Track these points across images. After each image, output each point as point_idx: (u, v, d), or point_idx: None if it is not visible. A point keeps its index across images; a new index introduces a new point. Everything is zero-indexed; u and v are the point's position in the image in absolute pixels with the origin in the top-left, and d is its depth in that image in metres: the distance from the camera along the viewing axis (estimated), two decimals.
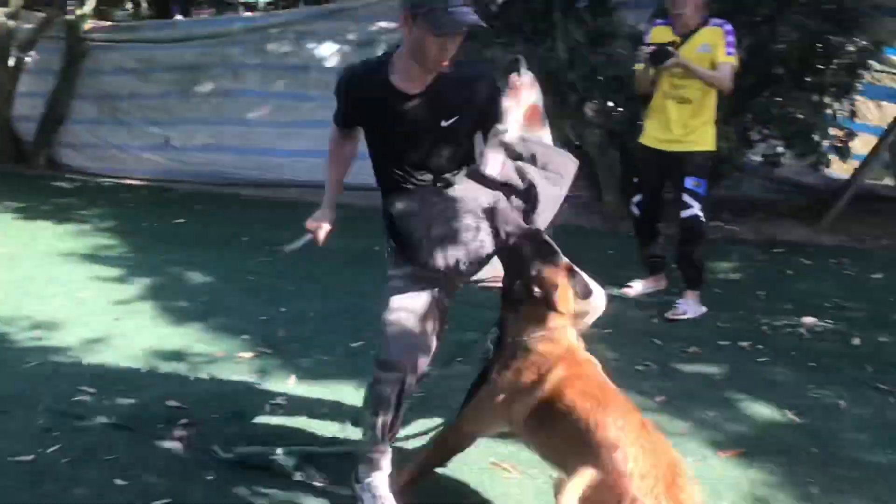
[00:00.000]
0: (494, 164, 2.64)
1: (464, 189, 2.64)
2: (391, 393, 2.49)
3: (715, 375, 3.74)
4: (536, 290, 2.44)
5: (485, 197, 2.61)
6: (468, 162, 2.70)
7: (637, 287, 4.80)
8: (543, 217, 2.64)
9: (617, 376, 2.53)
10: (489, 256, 2.60)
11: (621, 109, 6.12)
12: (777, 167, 5.94)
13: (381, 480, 2.59)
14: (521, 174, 2.65)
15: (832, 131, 5.45)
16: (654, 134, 4.54)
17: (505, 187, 2.63)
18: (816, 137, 5.17)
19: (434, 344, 2.59)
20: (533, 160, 2.67)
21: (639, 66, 4.50)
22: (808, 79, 5.44)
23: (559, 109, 5.80)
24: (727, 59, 4.27)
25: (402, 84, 2.54)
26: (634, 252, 5.01)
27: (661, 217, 4.72)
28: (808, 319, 4.39)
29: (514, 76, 2.77)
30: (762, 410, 3.37)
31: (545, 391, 2.36)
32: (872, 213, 6.40)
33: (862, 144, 6.27)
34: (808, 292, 4.83)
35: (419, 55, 2.47)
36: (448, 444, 2.64)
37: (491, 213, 2.58)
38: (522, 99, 2.73)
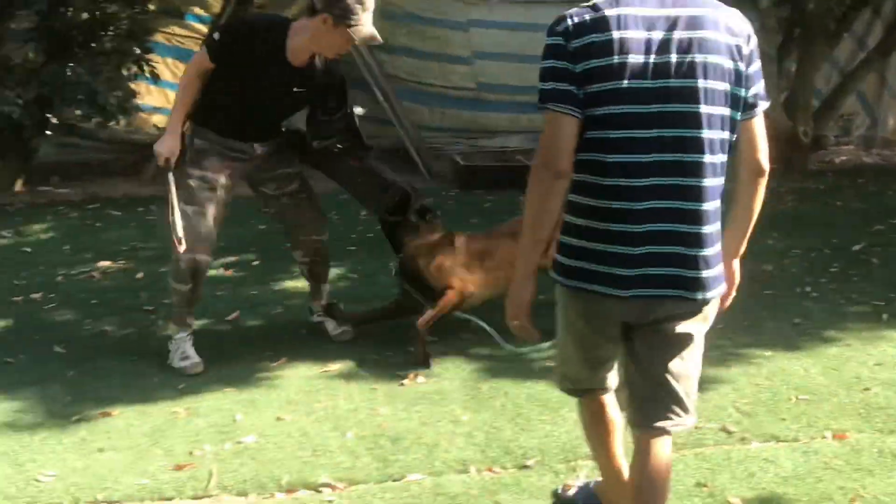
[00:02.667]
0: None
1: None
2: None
3: None
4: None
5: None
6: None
7: None
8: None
9: None
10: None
11: None
12: (75, 130, 6.34)
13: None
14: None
15: (120, 91, 5.96)
16: None
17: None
18: (101, 99, 5.64)
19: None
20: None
21: None
22: (93, 45, 5.88)
23: None
24: None
25: (291, 56, 3.35)
26: None
27: None
28: (103, 263, 4.91)
29: None
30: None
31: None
32: None
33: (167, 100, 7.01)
34: (110, 240, 5.36)
35: (323, 46, 3.34)
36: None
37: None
38: None
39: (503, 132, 8.09)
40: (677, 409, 2.11)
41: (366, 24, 3.28)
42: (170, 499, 2.73)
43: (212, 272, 4.81)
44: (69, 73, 5.79)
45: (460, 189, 6.71)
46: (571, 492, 2.64)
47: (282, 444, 3.02)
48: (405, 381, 3.47)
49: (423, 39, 7.78)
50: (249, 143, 3.54)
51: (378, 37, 3.34)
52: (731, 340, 3.66)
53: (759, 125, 2.03)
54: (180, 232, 3.39)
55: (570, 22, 1.94)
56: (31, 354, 3.75)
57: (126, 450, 2.98)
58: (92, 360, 3.69)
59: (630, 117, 1.92)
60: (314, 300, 3.95)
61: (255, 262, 4.98)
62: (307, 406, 3.29)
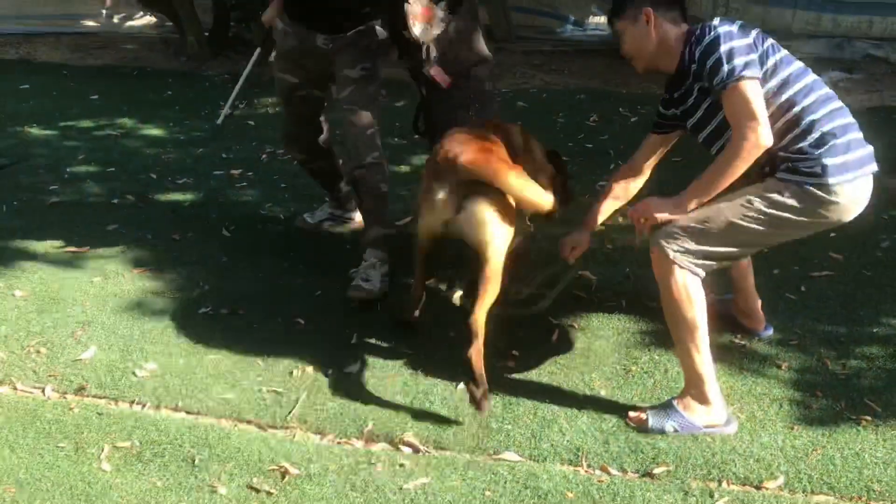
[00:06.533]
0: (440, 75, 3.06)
1: None
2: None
3: None
4: None
5: None
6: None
7: None
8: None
9: None
10: None
11: None
12: None
13: None
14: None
15: None
16: None
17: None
18: None
19: None
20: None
21: None
22: None
23: None
24: None
25: None
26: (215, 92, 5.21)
27: None
28: None
29: None
30: None
31: None
32: None
33: None
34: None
35: None
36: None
37: None
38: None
39: (799, 36, 6.80)
40: None
41: None
42: (246, 421, 2.52)
43: (400, 169, 4.53)
44: None
45: None
46: (653, 422, 2.43)
47: (385, 381, 2.68)
48: (555, 334, 2.93)
49: None
50: (312, 31, 3.15)
51: None
52: None
53: None
54: (226, 108, 3.60)
55: None
56: (199, 233, 3.72)
57: (231, 356, 2.81)
58: (264, 248, 3.58)
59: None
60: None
61: None
62: (433, 340, 2.89)
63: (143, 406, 2.59)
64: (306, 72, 3.26)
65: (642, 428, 2.43)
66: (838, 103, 2.39)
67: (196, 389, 2.64)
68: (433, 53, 3.05)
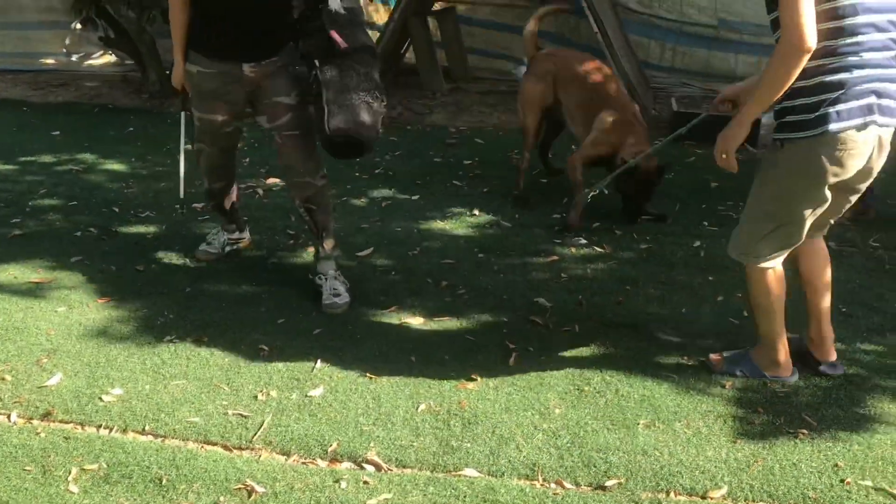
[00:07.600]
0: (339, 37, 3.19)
1: None
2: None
3: None
4: None
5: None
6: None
7: None
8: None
9: None
10: None
11: None
12: None
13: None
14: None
15: None
16: None
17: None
18: None
19: None
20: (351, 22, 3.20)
21: None
22: None
23: None
24: None
25: None
26: (177, 129, 5.19)
27: None
28: (272, 180, 4.92)
29: None
30: None
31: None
32: None
33: None
34: None
35: None
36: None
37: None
38: None
39: (744, 78, 7.11)
40: None
41: None
42: (212, 444, 2.58)
43: (361, 203, 4.65)
44: None
45: None
46: (726, 366, 2.88)
47: (348, 404, 2.76)
48: (512, 357, 3.05)
49: None
50: (237, 62, 3.23)
51: None
52: None
53: None
54: (181, 184, 3.68)
55: None
56: (163, 265, 3.78)
57: (196, 381, 2.87)
58: (227, 278, 3.65)
59: None
60: (315, 257, 3.59)
61: (415, 197, 4.72)
62: (394, 364, 2.99)
63: (110, 430, 2.63)
64: (231, 105, 3.34)
65: (718, 369, 2.87)
66: (870, 55, 2.31)
67: (162, 413, 2.70)
68: (338, 15, 3.15)
